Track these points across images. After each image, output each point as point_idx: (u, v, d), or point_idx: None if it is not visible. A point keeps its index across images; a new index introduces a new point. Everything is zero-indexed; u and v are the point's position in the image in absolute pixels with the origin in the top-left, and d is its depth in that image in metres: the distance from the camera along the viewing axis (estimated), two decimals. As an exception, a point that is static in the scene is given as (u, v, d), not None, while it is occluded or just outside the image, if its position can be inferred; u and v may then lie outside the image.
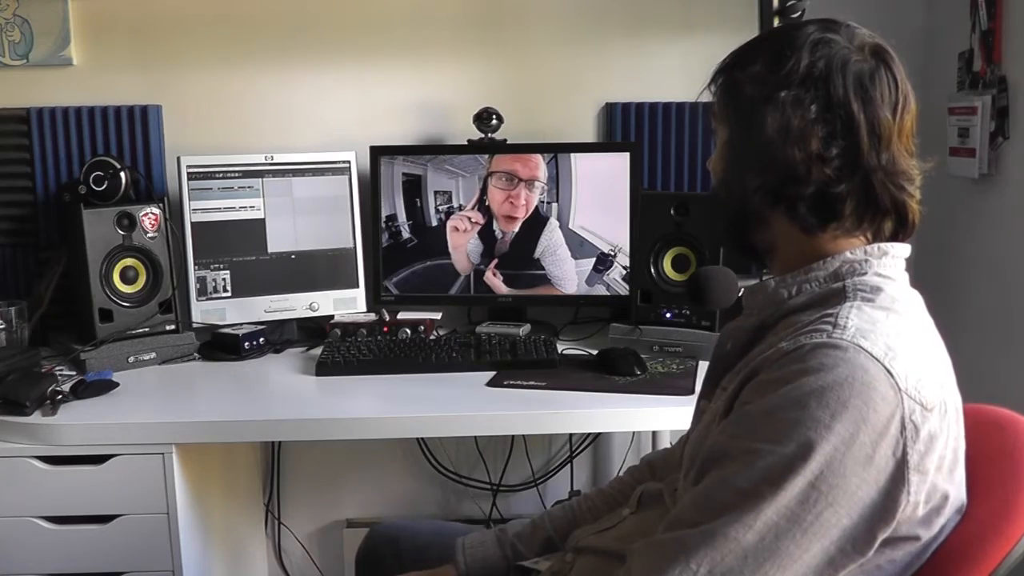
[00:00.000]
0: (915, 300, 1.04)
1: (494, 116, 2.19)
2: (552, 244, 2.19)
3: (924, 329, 1.01)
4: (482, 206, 2.20)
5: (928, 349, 0.98)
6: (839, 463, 0.87)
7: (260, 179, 2.17)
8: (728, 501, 0.90)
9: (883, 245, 1.02)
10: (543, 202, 2.18)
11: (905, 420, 0.89)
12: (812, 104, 0.97)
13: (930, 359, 0.97)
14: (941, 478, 0.94)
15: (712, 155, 1.11)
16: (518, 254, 2.20)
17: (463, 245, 2.22)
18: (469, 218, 2.21)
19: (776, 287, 1.04)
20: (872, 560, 0.92)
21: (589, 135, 2.32)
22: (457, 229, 2.21)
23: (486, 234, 2.21)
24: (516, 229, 2.20)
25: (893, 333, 0.94)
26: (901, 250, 1.04)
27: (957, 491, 0.98)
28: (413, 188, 2.21)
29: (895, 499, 0.89)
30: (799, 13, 1.83)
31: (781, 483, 0.87)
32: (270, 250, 2.18)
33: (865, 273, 1.01)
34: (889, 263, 1.02)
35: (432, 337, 2.06)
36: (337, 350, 1.95)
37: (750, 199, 1.03)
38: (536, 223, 2.19)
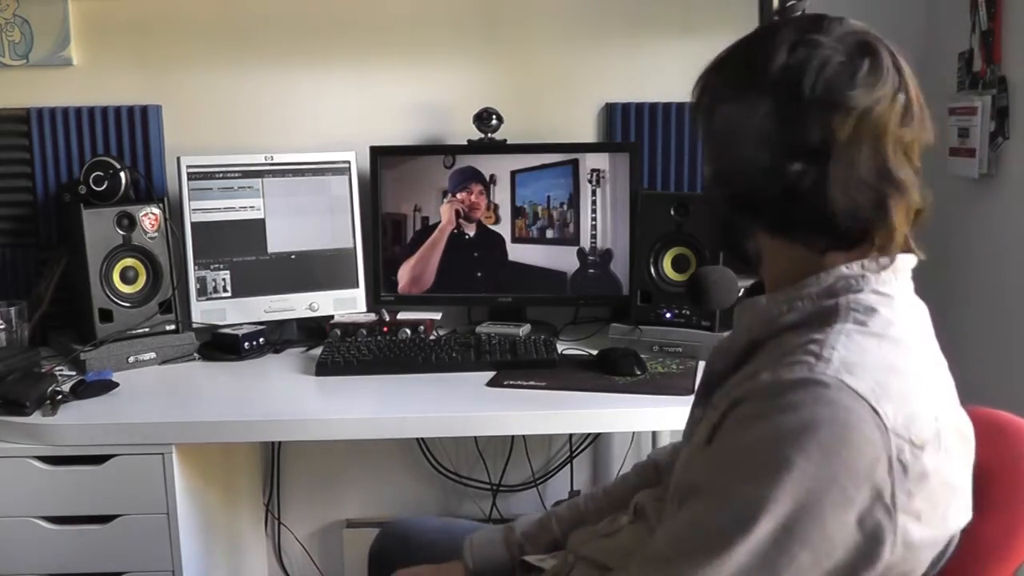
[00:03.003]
0: (916, 319, 0.98)
1: (494, 116, 2.19)
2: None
3: (921, 355, 0.95)
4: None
5: (924, 378, 0.93)
6: (815, 506, 0.84)
7: (260, 179, 2.17)
8: (699, 542, 0.87)
9: (882, 259, 0.96)
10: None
11: (892, 461, 0.85)
12: (776, 110, 0.92)
13: (925, 389, 0.91)
14: (939, 516, 0.90)
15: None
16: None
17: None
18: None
19: (767, 304, 0.99)
20: None
21: (589, 135, 2.32)
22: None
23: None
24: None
25: (884, 365, 0.89)
26: (904, 262, 0.97)
27: (966, 517, 0.94)
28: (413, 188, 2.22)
29: (880, 542, 0.85)
30: (799, 13, 1.83)
31: (750, 526, 0.84)
32: (270, 250, 2.18)
33: (861, 290, 0.95)
34: (888, 278, 0.96)
35: (432, 337, 2.06)
36: (337, 350, 1.95)
37: (724, 207, 1.00)
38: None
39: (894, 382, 0.88)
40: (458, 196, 2.21)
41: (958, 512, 0.94)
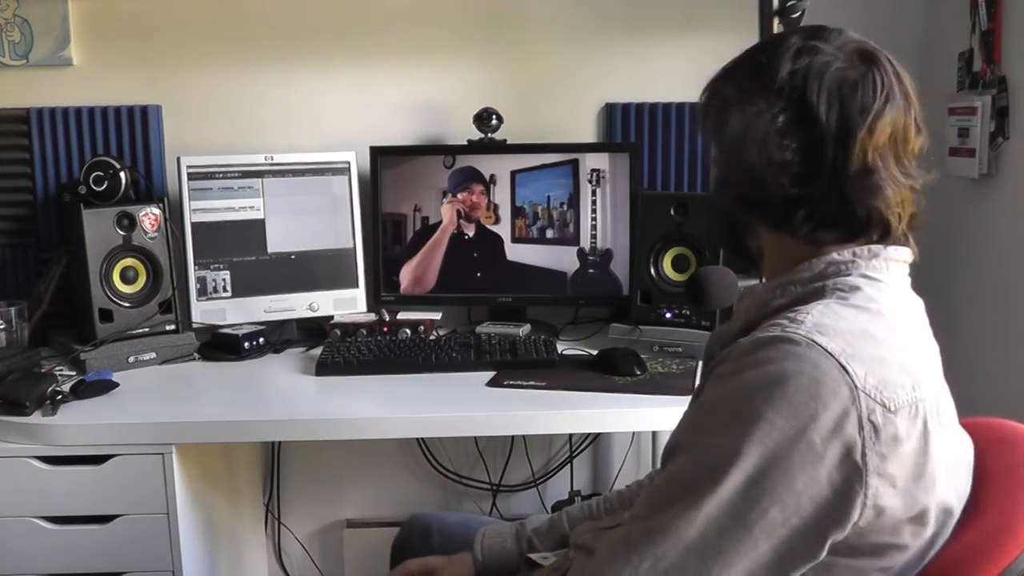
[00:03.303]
0: (904, 302, 1.01)
1: (494, 116, 2.19)
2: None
3: (903, 331, 0.98)
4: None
5: (903, 349, 0.95)
6: (784, 459, 0.86)
7: (260, 179, 2.17)
8: (672, 496, 0.90)
9: (873, 247, 1.00)
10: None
11: (863, 420, 0.87)
12: (783, 113, 0.96)
13: (902, 360, 0.93)
14: (921, 488, 0.91)
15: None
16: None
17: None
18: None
19: (763, 290, 1.04)
20: (858, 566, 0.92)
21: (589, 135, 2.32)
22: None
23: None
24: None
25: (858, 331, 0.92)
26: (897, 253, 1.01)
27: (944, 500, 0.95)
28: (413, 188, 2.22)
29: (851, 501, 0.87)
30: (799, 13, 1.83)
31: (720, 477, 0.87)
32: (270, 250, 2.18)
33: (850, 274, 0.99)
34: (879, 265, 0.99)
35: (432, 337, 2.06)
36: (337, 350, 1.95)
37: (730, 207, 1.05)
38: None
39: (867, 346, 0.91)
40: (459, 196, 2.21)
41: (943, 492, 0.94)
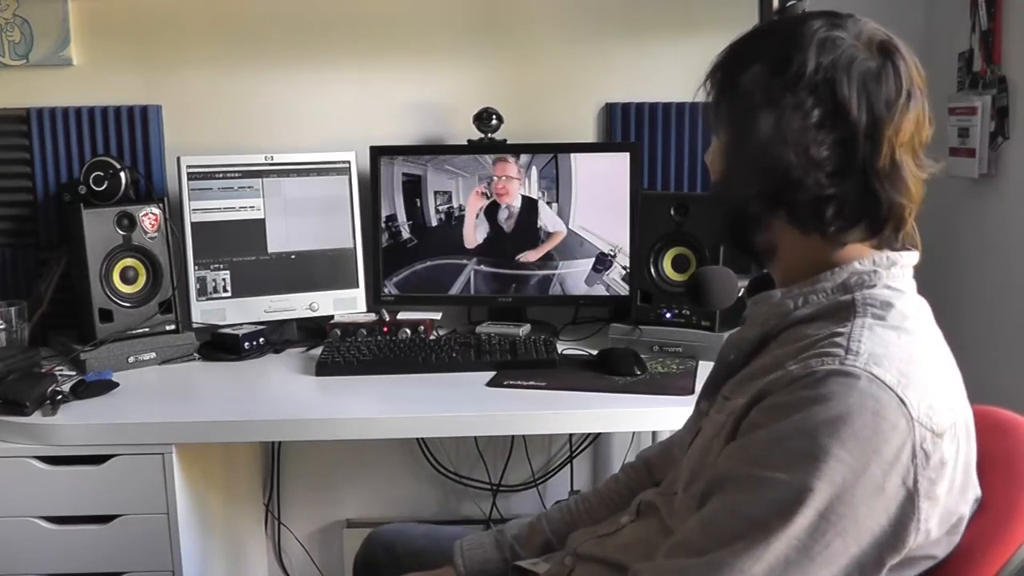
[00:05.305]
0: (924, 313, 1.01)
1: (494, 116, 2.19)
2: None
3: (935, 347, 0.98)
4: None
5: (939, 369, 0.96)
6: (849, 493, 0.86)
7: (260, 179, 2.17)
8: (737, 530, 0.88)
9: (891, 255, 0.99)
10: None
11: (916, 449, 0.87)
12: (815, 108, 0.93)
13: (941, 380, 0.94)
14: (953, 499, 0.93)
15: (710, 149, 1.08)
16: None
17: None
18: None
19: (782, 298, 1.01)
20: None
21: (589, 135, 2.32)
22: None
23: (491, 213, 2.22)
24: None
25: (905, 357, 0.91)
26: (909, 259, 1.01)
27: (973, 502, 0.97)
28: (413, 188, 2.22)
29: (905, 527, 0.88)
30: (799, 13, 1.83)
31: (791, 514, 0.86)
32: (270, 250, 2.18)
33: (874, 285, 0.98)
34: (898, 273, 1.00)
35: (432, 337, 2.06)
36: (337, 350, 1.95)
37: (749, 202, 1.00)
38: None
39: (915, 372, 0.91)
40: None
41: (972, 493, 0.97)
